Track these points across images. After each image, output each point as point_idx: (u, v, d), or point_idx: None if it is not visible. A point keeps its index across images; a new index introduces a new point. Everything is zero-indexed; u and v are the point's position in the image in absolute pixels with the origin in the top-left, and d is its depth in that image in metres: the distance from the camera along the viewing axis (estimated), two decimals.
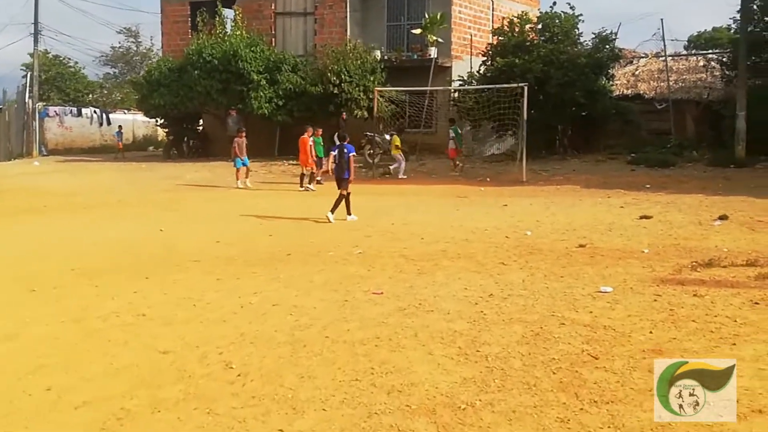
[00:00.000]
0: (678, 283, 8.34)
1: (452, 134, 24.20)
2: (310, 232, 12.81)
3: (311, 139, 21.20)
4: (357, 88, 27.78)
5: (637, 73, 29.65)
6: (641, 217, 13.50)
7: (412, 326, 6.81)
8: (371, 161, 25.38)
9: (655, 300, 7.58)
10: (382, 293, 8.12)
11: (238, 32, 30.50)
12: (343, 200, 14.30)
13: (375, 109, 24.99)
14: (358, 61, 28.18)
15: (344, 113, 27.26)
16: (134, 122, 42.83)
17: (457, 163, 24.40)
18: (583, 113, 26.07)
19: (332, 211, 14.12)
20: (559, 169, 23.35)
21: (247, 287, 8.52)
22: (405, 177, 23.39)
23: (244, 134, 22.36)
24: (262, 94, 28.76)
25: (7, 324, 7.14)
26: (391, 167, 24.31)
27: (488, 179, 22.27)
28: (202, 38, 30.36)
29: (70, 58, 47.05)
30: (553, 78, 24.88)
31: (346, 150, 14.46)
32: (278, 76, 29.10)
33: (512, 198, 17.56)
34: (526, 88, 21.65)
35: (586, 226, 12.74)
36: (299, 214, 15.14)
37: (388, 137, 27.71)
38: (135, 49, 52.19)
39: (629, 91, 28.43)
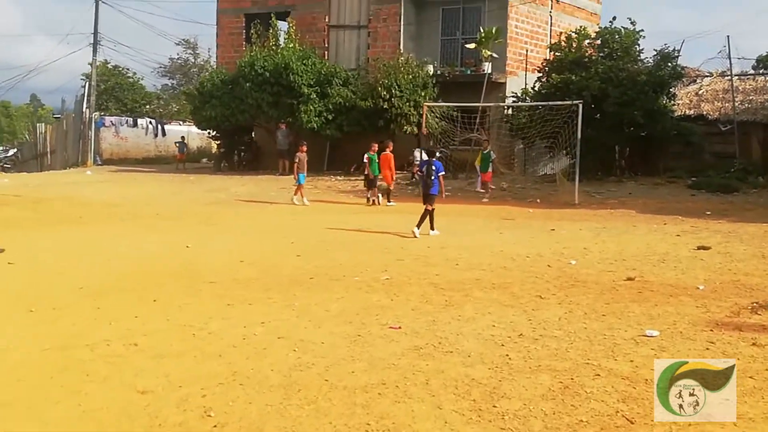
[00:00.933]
0: (735, 328, 7.39)
1: (493, 156, 22.88)
2: (340, 253, 12.12)
3: (366, 155, 20.83)
4: (407, 103, 27.11)
5: (700, 92, 28.29)
6: (699, 248, 12.45)
7: (425, 371, 6.05)
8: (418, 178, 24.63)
9: (708, 348, 6.67)
10: (399, 328, 7.37)
11: (291, 45, 30.16)
12: (428, 216, 14.27)
13: (423, 124, 24.27)
14: (410, 76, 27.53)
15: (424, 128, 26.38)
16: (189, 134, 42.89)
17: (491, 187, 22.64)
18: (642, 133, 24.89)
19: (418, 226, 14.07)
20: (615, 192, 22.26)
21: (256, 315, 7.87)
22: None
23: (305, 149, 21.62)
24: (311, 107, 28.36)
25: None
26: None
27: (538, 200, 21.36)
28: (255, 50, 30.13)
29: (128, 69, 47.61)
30: (611, 96, 23.78)
31: (434, 167, 14.51)
32: (329, 90, 28.68)
33: (561, 222, 16.64)
34: (581, 106, 20.80)
35: (638, 256, 11.79)
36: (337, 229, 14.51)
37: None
38: (193, 60, 52.62)
39: (692, 112, 27.09)
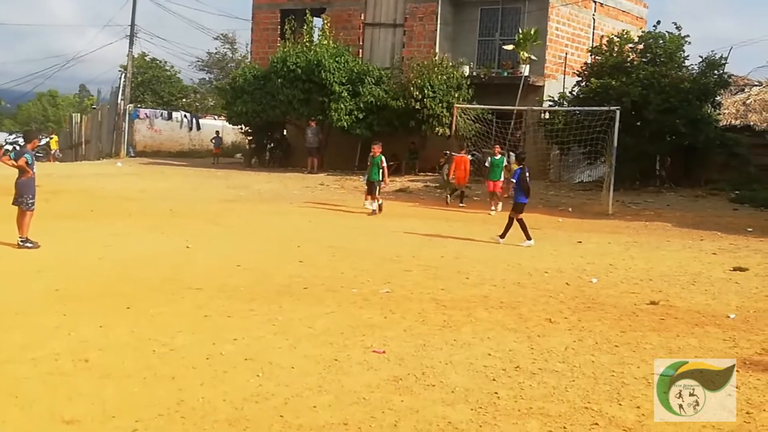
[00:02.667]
0: (766, 368, 6.49)
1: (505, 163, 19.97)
2: (346, 261, 11.39)
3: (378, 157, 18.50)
4: (440, 104, 26.23)
5: (748, 102, 26.86)
6: (735, 269, 11.48)
7: (396, 409, 5.29)
8: (448, 181, 23.81)
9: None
10: (383, 352, 6.62)
11: (325, 42, 29.55)
12: (519, 224, 13.83)
13: (453, 126, 23.40)
14: (444, 76, 26.65)
15: (454, 129, 25.31)
16: (224, 128, 42.57)
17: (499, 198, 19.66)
18: (685, 143, 23.65)
19: (502, 236, 13.87)
20: (652, 203, 21.17)
21: (231, 330, 7.18)
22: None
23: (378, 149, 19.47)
24: (342, 106, 27.67)
25: None
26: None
27: (570, 209, 20.38)
28: (288, 46, 29.57)
29: (166, 62, 47.43)
30: (652, 103, 22.65)
31: (527, 174, 14.23)
32: (361, 89, 27.95)
33: (591, 233, 15.71)
34: (618, 113, 19.78)
35: (666, 276, 10.88)
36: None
37: (469, 157, 26.23)
38: (231, 55, 52.30)
39: (738, 122, 25.70)
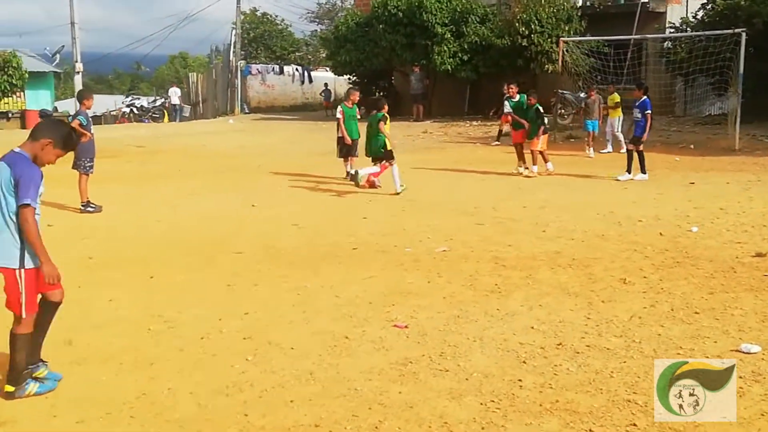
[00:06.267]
0: None
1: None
2: (415, 215, 10.42)
3: (340, 107, 14.50)
4: (549, 40, 24.46)
5: None
6: None
7: (387, 404, 4.35)
8: (560, 122, 22.23)
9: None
10: (406, 327, 5.69)
11: None
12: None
13: (560, 62, 21.65)
14: (552, 9, 24.79)
15: (560, 65, 23.41)
16: (335, 80, 42.05)
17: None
18: None
19: (628, 171, 13.42)
20: None
21: (248, 302, 6.43)
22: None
23: (593, 93, 18.04)
24: (446, 48, 26.35)
25: None
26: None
27: (692, 146, 18.38)
28: None
29: (277, 16, 47.20)
30: None
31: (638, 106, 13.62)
32: (464, 29, 26.50)
33: (709, 173, 14.01)
34: (744, 36, 17.48)
35: None
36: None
37: (583, 95, 24.37)
38: (340, 4, 51.42)
39: None
